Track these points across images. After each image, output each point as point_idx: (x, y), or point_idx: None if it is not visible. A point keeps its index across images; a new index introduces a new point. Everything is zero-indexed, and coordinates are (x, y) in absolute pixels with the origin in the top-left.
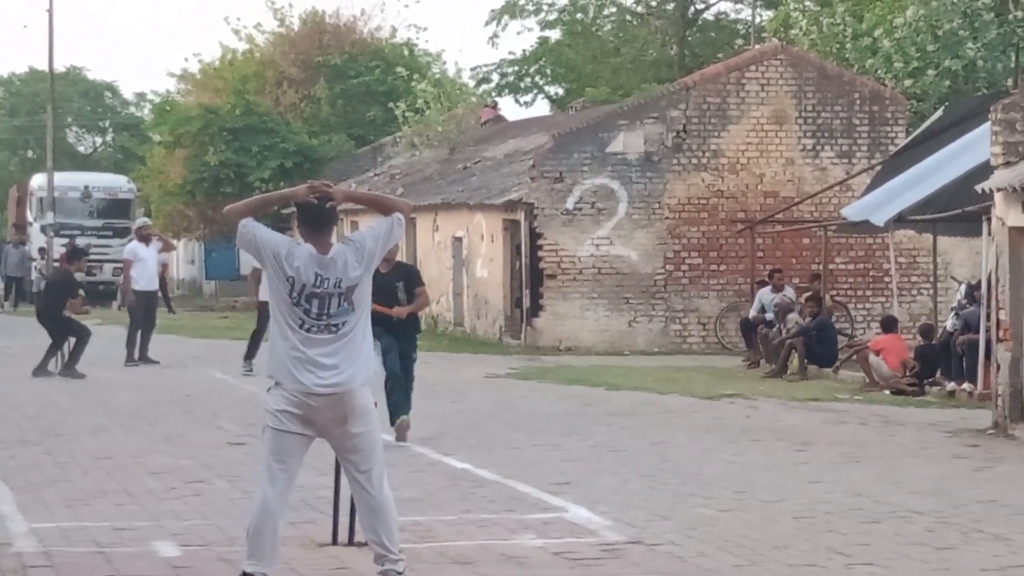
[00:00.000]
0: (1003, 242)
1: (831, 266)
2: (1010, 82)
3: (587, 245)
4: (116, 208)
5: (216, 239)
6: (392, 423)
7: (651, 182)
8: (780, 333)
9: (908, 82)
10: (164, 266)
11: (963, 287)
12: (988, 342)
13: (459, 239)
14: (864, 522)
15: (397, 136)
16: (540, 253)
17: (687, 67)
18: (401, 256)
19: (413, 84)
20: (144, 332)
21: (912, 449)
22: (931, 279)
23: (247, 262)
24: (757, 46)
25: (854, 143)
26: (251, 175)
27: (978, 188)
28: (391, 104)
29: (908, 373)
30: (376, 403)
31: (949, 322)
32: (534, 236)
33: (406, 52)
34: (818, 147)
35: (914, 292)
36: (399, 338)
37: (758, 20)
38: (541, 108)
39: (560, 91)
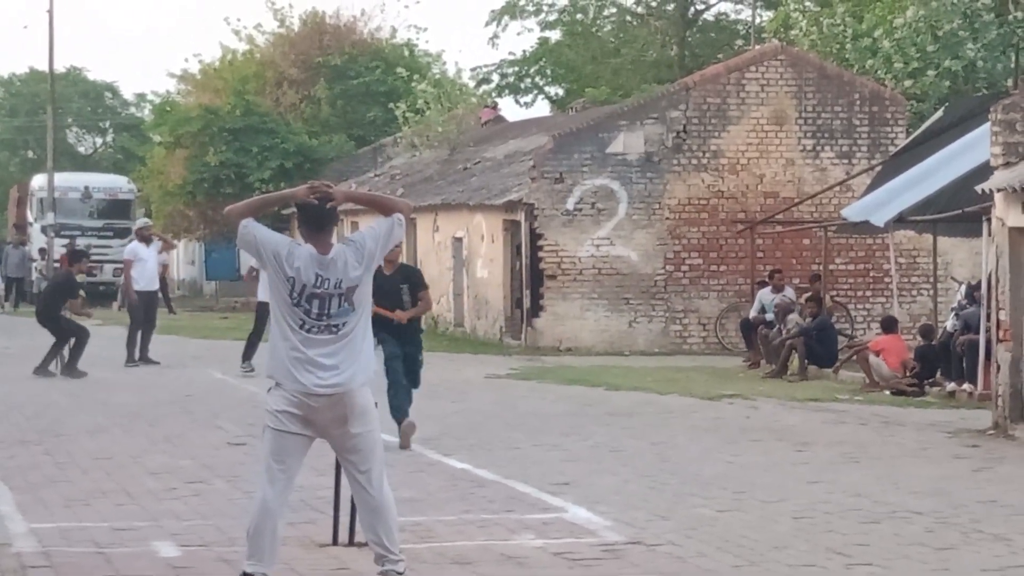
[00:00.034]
0: (1003, 243)
1: (831, 266)
2: (1010, 82)
3: (587, 245)
4: (116, 208)
5: (216, 239)
6: (397, 422)
7: (651, 182)
8: (780, 333)
9: (908, 82)
10: (164, 267)
11: (963, 287)
12: (988, 342)
13: (459, 239)
14: (864, 522)
15: (397, 136)
16: (540, 253)
17: (687, 67)
18: (402, 257)
19: (413, 85)
20: (144, 332)
21: (912, 449)
22: (931, 279)
23: (247, 263)
24: (757, 47)
25: (854, 143)
26: (251, 175)
27: (978, 188)
28: (391, 104)
29: (908, 373)
30: (376, 403)
31: (949, 322)
32: (534, 236)
33: (406, 53)
34: (818, 147)
35: (914, 292)
36: (404, 341)
37: (758, 21)
38: (541, 109)
39: (560, 92)
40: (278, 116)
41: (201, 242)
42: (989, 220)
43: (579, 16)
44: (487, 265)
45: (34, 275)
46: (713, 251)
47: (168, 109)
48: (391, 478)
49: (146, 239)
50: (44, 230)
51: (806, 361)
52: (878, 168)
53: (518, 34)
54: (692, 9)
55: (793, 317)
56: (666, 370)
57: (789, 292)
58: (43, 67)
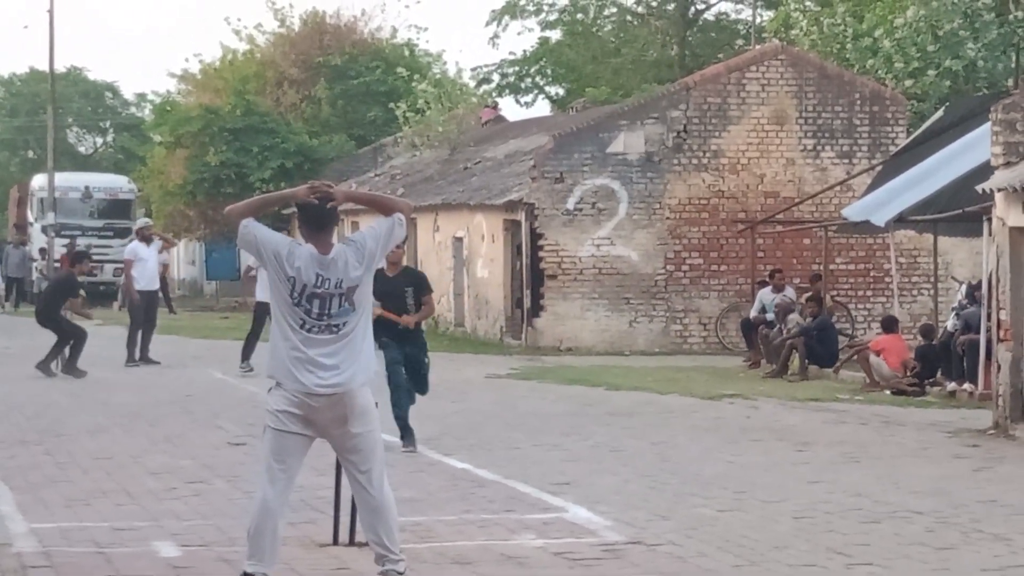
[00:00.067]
0: (1004, 242)
1: (832, 266)
2: (1010, 82)
3: (588, 245)
4: (117, 208)
5: (217, 239)
6: (400, 427)
7: (652, 182)
8: (781, 333)
9: (908, 82)
10: (165, 266)
11: (964, 287)
12: (989, 342)
13: (460, 239)
14: (864, 522)
15: (398, 136)
16: (541, 253)
17: (687, 67)
18: (404, 258)
19: (414, 84)
20: (145, 332)
21: (912, 449)
22: (932, 279)
23: (247, 262)
24: (758, 46)
25: (854, 143)
26: (252, 175)
27: (978, 188)
28: (392, 104)
29: (908, 373)
30: (376, 403)
31: (950, 322)
32: (535, 236)
33: (407, 52)
34: (819, 147)
35: (915, 292)
36: (406, 344)
37: (759, 20)
38: (541, 108)
39: (561, 91)
40: (278, 116)
41: (201, 242)
42: (989, 220)
43: (579, 16)
44: (487, 265)
45: (34, 275)
46: (713, 251)
47: (168, 109)
48: (391, 478)
49: (146, 239)
50: (44, 230)
51: (806, 361)
52: (879, 168)
53: (518, 34)
54: (692, 9)
55: (794, 317)
56: (666, 370)
57: (789, 292)
58: (43, 67)
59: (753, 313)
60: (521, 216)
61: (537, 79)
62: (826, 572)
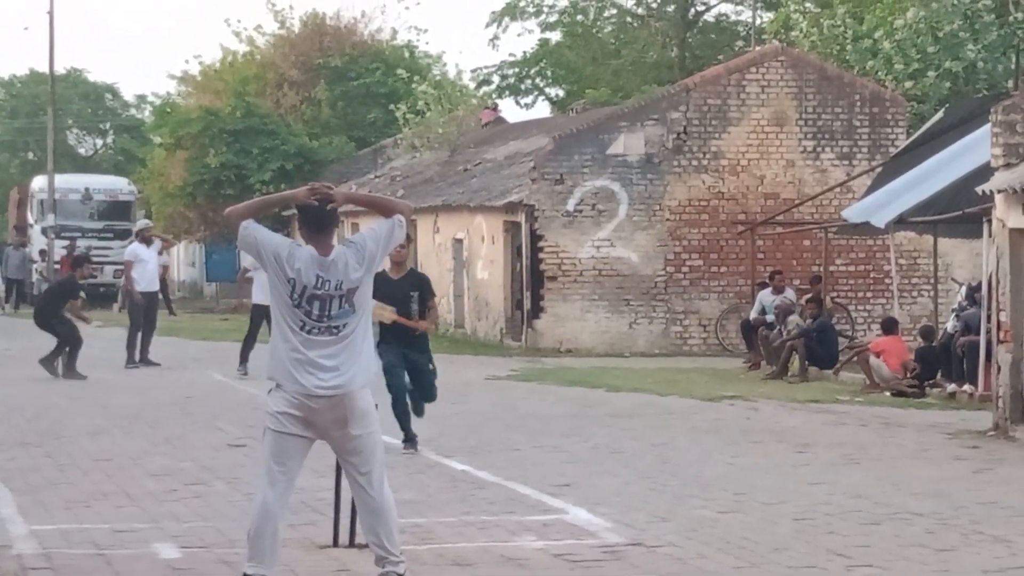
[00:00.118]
0: (1004, 244)
1: (832, 268)
2: (1010, 84)
3: (588, 247)
4: (117, 210)
5: (217, 241)
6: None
7: (652, 184)
8: (781, 335)
9: (908, 84)
10: (165, 268)
11: (963, 289)
12: (989, 344)
13: (460, 241)
14: (864, 524)
15: (398, 138)
16: (541, 255)
17: (687, 69)
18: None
19: (414, 86)
20: (144, 334)
21: (912, 451)
22: (932, 281)
23: (244, 264)
24: (758, 48)
25: (854, 145)
26: (252, 177)
27: (978, 190)
28: (392, 106)
29: (908, 375)
30: (377, 405)
31: (950, 324)
32: (535, 238)
33: (407, 54)
34: (818, 149)
35: (915, 294)
36: (409, 348)
37: (758, 22)
38: (541, 110)
39: (561, 93)
40: (278, 117)
41: (201, 243)
42: (989, 221)
43: (579, 17)
44: (487, 266)
45: (34, 277)
46: (713, 252)
47: (168, 111)
48: (391, 480)
49: (146, 240)
50: (44, 232)
51: (806, 362)
52: (878, 169)
53: (518, 35)
54: (692, 10)
55: (794, 318)
56: (666, 371)
57: (789, 293)
58: (43, 69)
59: (753, 315)
60: (521, 217)
61: (537, 81)
62: (826, 574)
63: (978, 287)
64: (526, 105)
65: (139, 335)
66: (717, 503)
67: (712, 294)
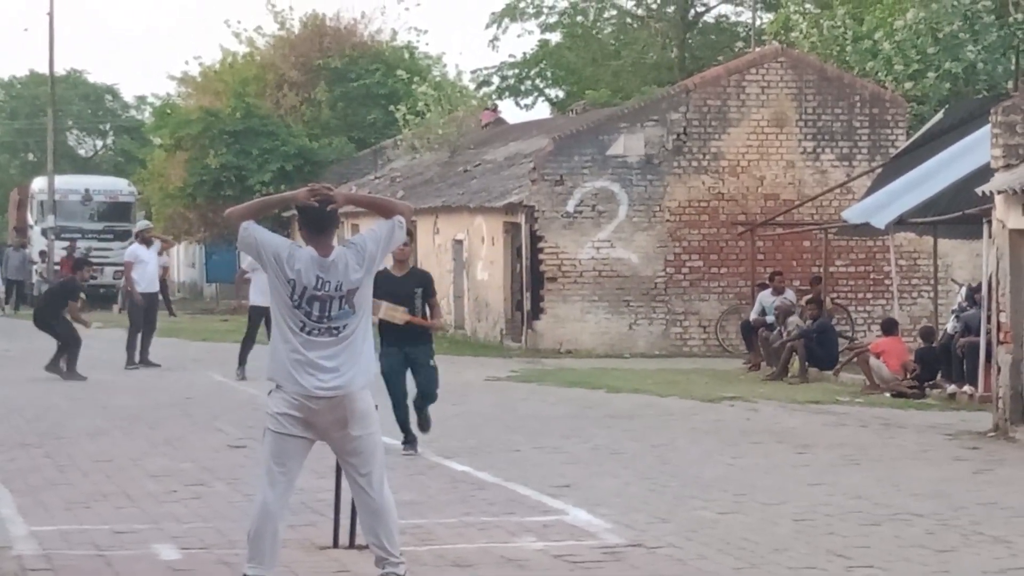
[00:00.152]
0: (1003, 244)
1: (832, 269)
2: (1010, 85)
3: (587, 248)
4: (117, 211)
5: (217, 242)
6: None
7: (651, 185)
8: (781, 336)
9: (908, 84)
10: (165, 269)
11: (963, 289)
12: (988, 344)
13: (460, 242)
14: (864, 524)
15: (397, 139)
16: (541, 256)
17: (687, 70)
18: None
19: (413, 87)
20: (144, 335)
21: (912, 452)
22: (931, 282)
23: (242, 265)
24: (757, 49)
25: (854, 146)
26: (251, 178)
27: (978, 191)
28: (391, 107)
29: (908, 376)
30: (377, 406)
31: (950, 324)
32: (535, 239)
33: (406, 55)
34: (818, 150)
35: (914, 295)
36: (411, 346)
37: (758, 23)
38: (541, 111)
39: (560, 94)
40: (278, 118)
41: (201, 244)
42: (989, 222)
43: (579, 18)
44: (487, 267)
45: (34, 278)
46: (713, 253)
47: (168, 111)
48: (391, 480)
49: (146, 241)
50: (44, 233)
51: (806, 363)
52: (878, 170)
53: (518, 36)
54: (692, 11)
55: (793, 319)
56: (666, 372)
57: (789, 294)
58: (43, 69)
59: (753, 315)
60: (521, 218)
61: (537, 81)
62: (826, 574)
63: (978, 288)
64: (526, 106)
65: (139, 336)
66: (717, 504)
67: (712, 295)
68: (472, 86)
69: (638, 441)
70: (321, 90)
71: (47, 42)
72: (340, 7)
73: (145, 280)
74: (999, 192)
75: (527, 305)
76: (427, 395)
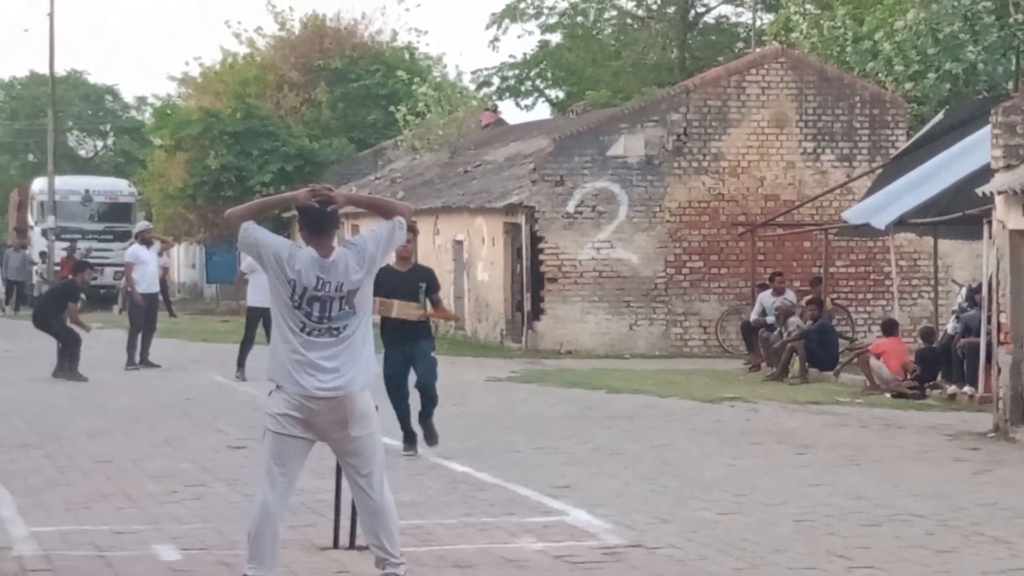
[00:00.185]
0: (1004, 245)
1: (832, 269)
2: (1010, 85)
3: (588, 248)
4: (117, 212)
5: (217, 243)
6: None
7: (652, 185)
8: (781, 336)
9: (909, 85)
10: (165, 270)
11: (964, 290)
12: (989, 345)
13: (460, 242)
14: (864, 525)
15: (398, 140)
16: (541, 256)
17: (688, 70)
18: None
19: (414, 88)
20: (145, 335)
21: (912, 452)
22: (932, 282)
23: (241, 267)
24: (758, 49)
25: (855, 146)
26: (252, 179)
27: (979, 191)
28: (392, 107)
29: (909, 376)
30: (377, 406)
31: (950, 325)
32: (535, 239)
33: (407, 56)
34: (819, 150)
35: (915, 295)
36: (414, 342)
37: (759, 23)
38: (542, 111)
39: (561, 94)
40: (279, 119)
41: (202, 245)
42: (990, 223)
43: (579, 19)
44: (488, 268)
45: (35, 278)
46: (714, 254)
47: (169, 112)
48: (392, 481)
49: (147, 242)
50: (45, 233)
51: (807, 364)
52: (879, 171)
53: (519, 37)
54: (693, 12)
55: (794, 320)
56: (667, 373)
57: (790, 295)
58: (44, 70)
59: (753, 316)
60: (521, 219)
61: (537, 82)
62: (827, 575)
63: (978, 288)
64: (526, 107)
65: (139, 337)
66: (717, 504)
67: (712, 296)
68: (472, 87)
69: (638, 442)
70: (321, 91)
71: (47, 43)
72: (340, 8)
73: (145, 281)
74: (999, 193)
75: (527, 306)
76: (426, 387)
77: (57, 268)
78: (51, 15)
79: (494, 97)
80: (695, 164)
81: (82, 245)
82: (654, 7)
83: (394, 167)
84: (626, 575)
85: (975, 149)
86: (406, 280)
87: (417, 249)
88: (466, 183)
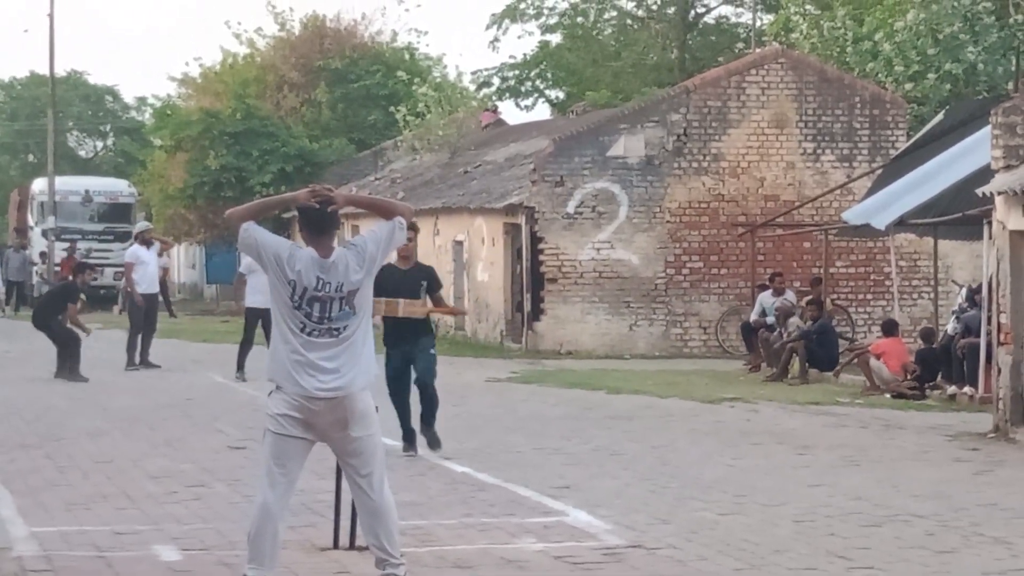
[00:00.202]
0: (1004, 246)
1: (832, 270)
2: (1010, 86)
3: (588, 249)
4: (117, 212)
5: (217, 243)
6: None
7: (652, 186)
8: (781, 337)
9: (909, 86)
10: (165, 270)
11: (964, 290)
12: (989, 345)
13: (460, 243)
14: (864, 526)
15: (398, 140)
16: (541, 257)
17: (688, 71)
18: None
19: (414, 88)
20: (145, 336)
21: (912, 453)
22: (932, 283)
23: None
24: (758, 50)
25: (855, 147)
26: (252, 179)
27: (979, 192)
28: (392, 108)
29: (909, 377)
30: (377, 407)
31: (950, 326)
32: (535, 240)
33: (407, 56)
34: (819, 151)
35: (915, 296)
36: (414, 340)
37: (759, 24)
38: (542, 112)
39: (561, 95)
40: (279, 120)
41: (202, 246)
42: (990, 223)
43: (579, 19)
44: (488, 268)
45: (35, 279)
46: (714, 254)
47: (169, 113)
48: (392, 482)
49: (146, 242)
50: (45, 234)
51: (807, 364)
52: (879, 171)
53: (519, 37)
54: (693, 12)
55: (794, 320)
56: (667, 374)
57: (790, 295)
58: (44, 71)
59: (753, 317)
60: (521, 219)
61: (537, 83)
62: (827, 575)
63: (978, 289)
64: (526, 107)
65: (139, 337)
66: (717, 505)
67: (712, 296)
68: (472, 87)
69: (638, 442)
70: (321, 91)
71: (47, 43)
72: (340, 8)
73: (145, 281)
74: (999, 193)
75: (527, 306)
76: (425, 385)
77: (57, 268)
78: (51, 15)
79: (494, 98)
80: (695, 164)
81: (82, 245)
82: (654, 7)
83: (394, 168)
84: (626, 575)
85: (975, 150)
86: (407, 279)
87: (417, 250)
88: (466, 183)
